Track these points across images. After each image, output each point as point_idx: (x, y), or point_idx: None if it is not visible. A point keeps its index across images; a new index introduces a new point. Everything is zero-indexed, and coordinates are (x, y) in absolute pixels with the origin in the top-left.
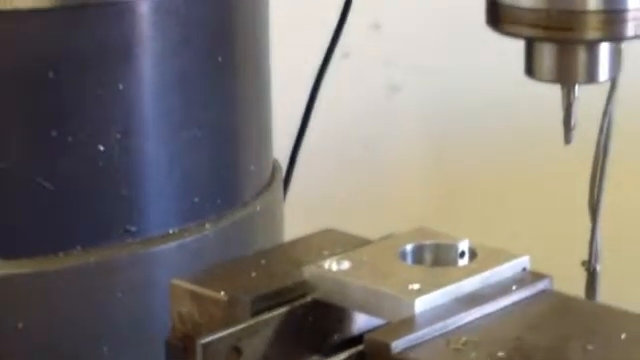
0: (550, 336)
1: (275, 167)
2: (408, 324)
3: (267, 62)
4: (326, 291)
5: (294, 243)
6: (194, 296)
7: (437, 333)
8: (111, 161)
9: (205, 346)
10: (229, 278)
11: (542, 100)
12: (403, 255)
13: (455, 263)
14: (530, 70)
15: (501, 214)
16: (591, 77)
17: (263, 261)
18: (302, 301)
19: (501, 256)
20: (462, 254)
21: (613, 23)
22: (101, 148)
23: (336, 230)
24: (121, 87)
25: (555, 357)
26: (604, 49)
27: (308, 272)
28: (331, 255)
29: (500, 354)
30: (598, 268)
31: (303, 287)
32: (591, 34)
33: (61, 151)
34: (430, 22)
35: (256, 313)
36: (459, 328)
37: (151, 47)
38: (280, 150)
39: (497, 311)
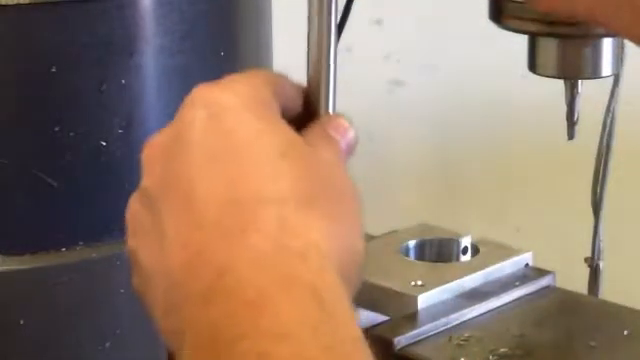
0: (553, 332)
1: None
2: (411, 320)
3: (269, 57)
4: None
5: None
6: None
7: (440, 329)
8: (113, 156)
9: None
10: None
11: (545, 95)
12: (406, 251)
13: (458, 259)
14: (533, 65)
15: (504, 210)
16: (594, 72)
17: None
18: None
19: (504, 252)
20: (465, 250)
21: None
22: (103, 143)
23: None
24: (123, 82)
25: (558, 353)
26: (607, 44)
27: None
28: None
29: (503, 350)
30: (601, 264)
31: None
32: (594, 29)
33: (63, 146)
34: (432, 17)
35: None
36: (462, 324)
37: (153, 42)
38: None
39: (500, 307)
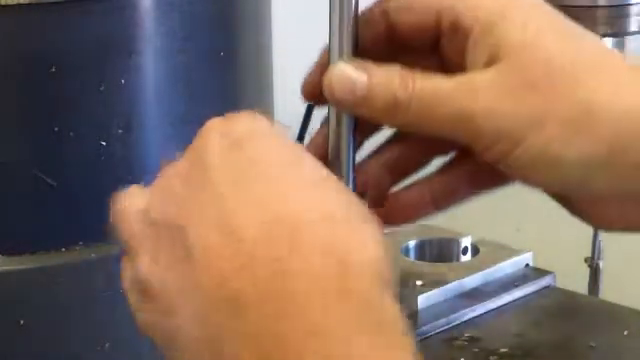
0: (553, 332)
1: None
2: (411, 320)
3: (269, 58)
4: None
5: None
6: None
7: (440, 329)
8: (113, 156)
9: None
10: None
11: None
12: (406, 251)
13: (458, 259)
14: None
15: (504, 210)
16: None
17: None
18: None
19: (504, 252)
20: (465, 250)
21: (616, 18)
22: (103, 143)
23: None
24: (123, 82)
25: (558, 353)
26: (607, 44)
27: None
28: None
29: (503, 350)
30: (601, 265)
31: None
32: (595, 29)
33: (63, 146)
34: None
35: None
36: (462, 324)
37: (153, 42)
38: None
39: (500, 307)
